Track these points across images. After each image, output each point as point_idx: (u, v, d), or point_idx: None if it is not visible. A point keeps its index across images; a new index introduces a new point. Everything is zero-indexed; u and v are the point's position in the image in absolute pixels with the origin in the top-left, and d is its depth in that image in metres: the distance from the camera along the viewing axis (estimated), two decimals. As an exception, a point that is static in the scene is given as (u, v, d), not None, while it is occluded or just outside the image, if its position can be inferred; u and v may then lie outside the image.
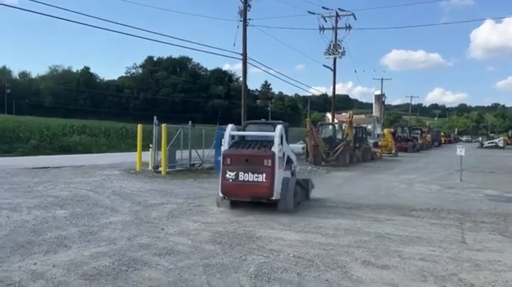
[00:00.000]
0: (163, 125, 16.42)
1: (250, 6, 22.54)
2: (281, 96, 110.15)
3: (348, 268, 5.27)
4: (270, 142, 8.71)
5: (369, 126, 53.45)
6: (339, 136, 23.91)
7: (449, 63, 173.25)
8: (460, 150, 16.97)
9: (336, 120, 32.27)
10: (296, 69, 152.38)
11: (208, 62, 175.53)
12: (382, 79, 58.10)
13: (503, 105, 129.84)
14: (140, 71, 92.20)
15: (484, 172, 20.25)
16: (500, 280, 4.94)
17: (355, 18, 29.31)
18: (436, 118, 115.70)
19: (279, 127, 8.87)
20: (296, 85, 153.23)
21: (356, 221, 8.08)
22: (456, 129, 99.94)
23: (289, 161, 9.46)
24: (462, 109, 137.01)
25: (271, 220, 8.04)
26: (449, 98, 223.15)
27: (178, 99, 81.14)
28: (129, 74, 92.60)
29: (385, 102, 70.66)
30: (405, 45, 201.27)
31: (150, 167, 16.58)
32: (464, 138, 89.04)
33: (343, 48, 29.57)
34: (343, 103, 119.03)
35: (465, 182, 15.29)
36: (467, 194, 12.52)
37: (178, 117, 47.00)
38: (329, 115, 53.97)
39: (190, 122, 18.59)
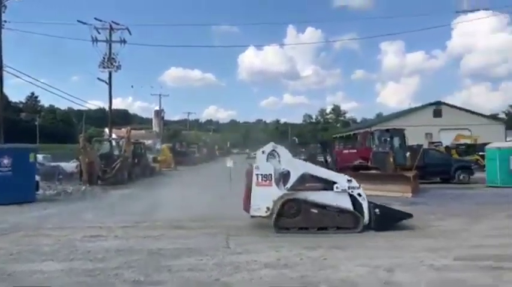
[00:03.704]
0: None
1: (5, 7, 19.63)
2: (52, 110, 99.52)
3: (116, 292, 5.01)
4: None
5: (149, 142, 53.70)
6: (117, 152, 23.17)
7: (222, 83, 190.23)
8: (229, 162, 18.70)
9: (114, 136, 31.11)
10: (71, 81, 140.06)
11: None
12: (160, 95, 59.38)
13: (265, 121, 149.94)
14: None
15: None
16: (255, 277, 5.54)
17: (130, 33, 29.09)
18: (211, 133, 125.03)
19: (267, 146, 8.79)
20: (70, 99, 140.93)
21: (129, 240, 7.84)
22: (228, 143, 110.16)
23: (302, 180, 8.76)
24: (233, 124, 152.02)
25: (31, 251, 7.03)
26: (222, 115, 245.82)
27: None
28: None
29: (165, 118, 72.46)
30: (183, 63, 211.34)
31: None
32: (235, 151, 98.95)
33: (119, 62, 28.85)
34: (123, 118, 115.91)
35: (234, 190, 16.80)
36: (235, 201, 13.65)
37: None
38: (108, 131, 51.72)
39: None
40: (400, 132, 19.01)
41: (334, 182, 8.56)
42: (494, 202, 13.16)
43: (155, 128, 60.74)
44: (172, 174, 30.02)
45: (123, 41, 28.53)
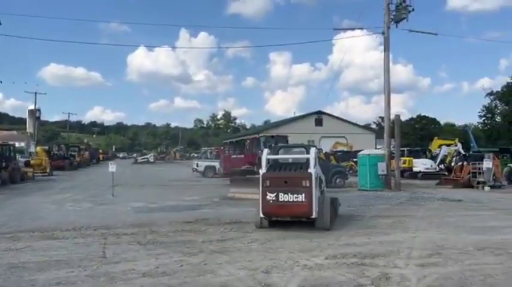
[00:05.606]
0: None
1: None
2: None
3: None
4: (302, 164, 9.12)
5: (22, 144, 48.62)
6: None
7: (109, 84, 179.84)
8: (112, 166, 17.75)
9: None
10: None
11: None
12: (35, 93, 53.94)
13: (155, 125, 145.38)
14: None
15: (136, 185, 21.94)
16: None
17: (0, 23, 25.97)
18: (95, 135, 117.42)
19: (313, 150, 9.27)
20: None
21: (-15, 254, 6.90)
22: (114, 146, 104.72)
23: (320, 182, 9.81)
24: (120, 127, 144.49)
25: None
26: (109, 117, 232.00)
27: None
28: None
29: (42, 118, 66.04)
30: (65, 60, 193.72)
31: None
32: (121, 155, 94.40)
33: (-15, 53, 25.52)
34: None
35: (117, 197, 15.99)
36: (117, 208, 13.10)
37: None
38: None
39: None
40: (284, 139, 20.04)
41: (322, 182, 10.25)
42: (363, 203, 14.47)
43: (29, 129, 54.85)
44: (48, 179, 27.49)
45: (-10, 31, 25.32)
